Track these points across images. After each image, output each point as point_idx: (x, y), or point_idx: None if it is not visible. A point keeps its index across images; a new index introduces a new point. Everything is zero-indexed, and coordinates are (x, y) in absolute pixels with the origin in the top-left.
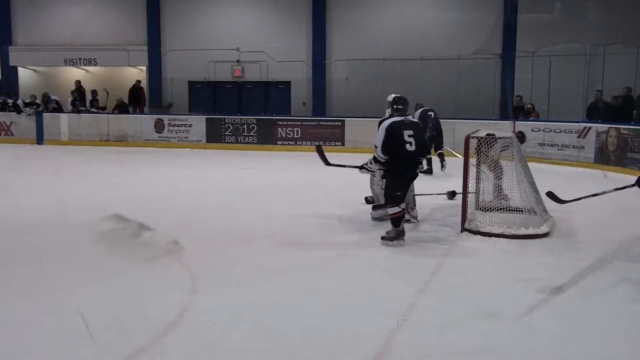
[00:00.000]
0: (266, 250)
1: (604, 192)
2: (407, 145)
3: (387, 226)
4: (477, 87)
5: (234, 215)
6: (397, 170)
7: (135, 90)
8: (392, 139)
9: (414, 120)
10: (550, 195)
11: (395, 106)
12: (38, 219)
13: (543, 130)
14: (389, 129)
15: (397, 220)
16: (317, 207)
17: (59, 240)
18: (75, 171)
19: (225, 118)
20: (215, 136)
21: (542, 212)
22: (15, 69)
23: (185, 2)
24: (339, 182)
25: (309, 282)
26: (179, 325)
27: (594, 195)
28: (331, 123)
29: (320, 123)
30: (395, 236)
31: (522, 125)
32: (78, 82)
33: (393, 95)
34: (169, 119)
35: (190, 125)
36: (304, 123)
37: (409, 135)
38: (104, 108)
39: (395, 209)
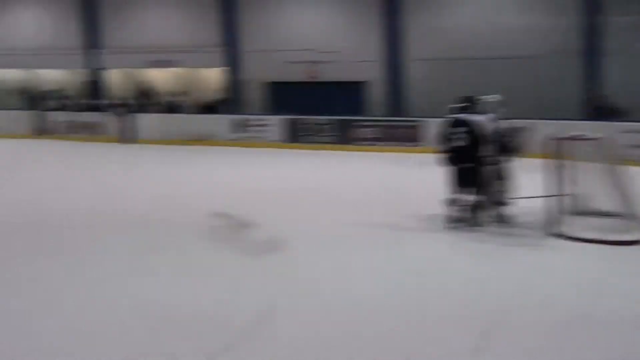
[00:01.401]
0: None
1: None
2: (451, 141)
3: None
4: (560, 86)
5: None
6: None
7: (216, 102)
8: (442, 132)
9: (469, 119)
10: None
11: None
12: (138, 215)
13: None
14: (441, 124)
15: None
16: (389, 208)
17: (162, 237)
18: (167, 170)
19: (302, 118)
20: (293, 136)
21: (632, 217)
22: (103, 71)
23: (261, 4)
24: (415, 184)
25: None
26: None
27: None
28: (408, 124)
29: (397, 123)
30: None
31: (608, 127)
32: (142, 84)
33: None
34: (248, 120)
35: (268, 125)
36: (381, 123)
37: (452, 132)
38: (180, 107)
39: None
